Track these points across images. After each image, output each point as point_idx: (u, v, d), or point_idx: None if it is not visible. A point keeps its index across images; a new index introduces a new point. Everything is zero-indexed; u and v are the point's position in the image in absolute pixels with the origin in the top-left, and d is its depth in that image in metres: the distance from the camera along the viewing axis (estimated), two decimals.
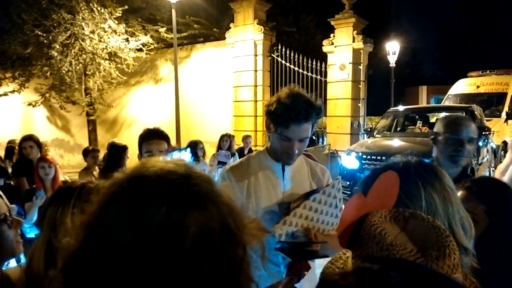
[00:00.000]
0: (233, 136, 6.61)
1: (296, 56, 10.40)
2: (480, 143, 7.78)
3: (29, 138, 4.40)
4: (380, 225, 0.76)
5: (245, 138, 7.14)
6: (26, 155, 4.27)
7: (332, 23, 10.19)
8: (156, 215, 0.56)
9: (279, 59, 10.56)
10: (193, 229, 0.56)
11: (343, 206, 1.34)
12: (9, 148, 7.15)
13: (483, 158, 7.88)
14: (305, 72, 10.38)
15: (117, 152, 4.25)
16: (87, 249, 0.57)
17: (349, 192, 6.79)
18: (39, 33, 10.29)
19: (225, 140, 6.20)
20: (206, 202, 0.60)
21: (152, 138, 2.41)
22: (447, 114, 2.61)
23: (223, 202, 0.62)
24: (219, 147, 6.24)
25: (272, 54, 10.70)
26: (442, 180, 0.93)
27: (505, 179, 2.81)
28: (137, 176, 0.61)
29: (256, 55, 10.68)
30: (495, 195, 1.49)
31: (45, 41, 10.34)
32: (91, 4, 10.27)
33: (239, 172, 1.77)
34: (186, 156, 2.14)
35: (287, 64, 10.47)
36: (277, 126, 1.62)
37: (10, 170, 5.28)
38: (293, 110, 1.56)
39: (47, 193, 3.47)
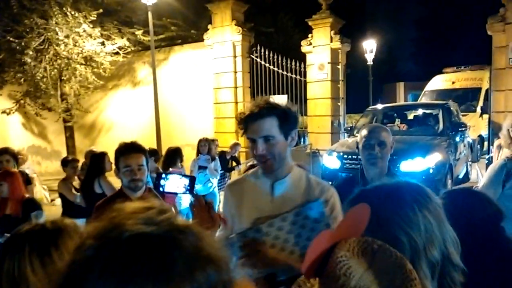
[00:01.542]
0: (213, 140, 6.57)
1: (275, 57, 10.43)
2: (457, 139, 7.97)
3: (5, 152, 4.31)
4: (347, 261, 0.74)
5: (234, 146, 7.20)
6: (2, 169, 4.17)
7: (310, 23, 10.24)
8: None
9: (259, 60, 10.56)
10: None
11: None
12: None
13: (460, 153, 8.07)
14: (284, 73, 10.41)
15: (97, 160, 4.24)
16: None
17: None
18: (11, 39, 10.01)
19: (203, 145, 6.15)
20: (193, 271, 0.53)
21: (129, 152, 2.38)
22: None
23: (212, 262, 0.56)
24: (198, 152, 6.21)
25: (251, 55, 10.69)
26: (433, 201, 0.95)
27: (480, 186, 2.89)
28: (109, 240, 0.53)
29: (235, 57, 10.65)
30: (471, 208, 1.54)
31: (17, 47, 10.09)
32: (64, 8, 10.04)
33: (235, 188, 1.83)
34: (183, 182, 2.14)
35: (267, 65, 10.48)
36: (243, 131, 1.67)
37: None
38: (248, 110, 1.63)
39: None
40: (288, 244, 1.55)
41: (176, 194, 2.13)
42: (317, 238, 0.82)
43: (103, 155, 4.26)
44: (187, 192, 2.11)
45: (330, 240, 0.80)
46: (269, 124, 1.58)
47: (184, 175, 2.23)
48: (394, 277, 0.73)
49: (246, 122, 1.63)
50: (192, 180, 2.19)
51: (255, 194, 1.72)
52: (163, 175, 2.13)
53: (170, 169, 5.21)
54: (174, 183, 2.14)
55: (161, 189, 2.13)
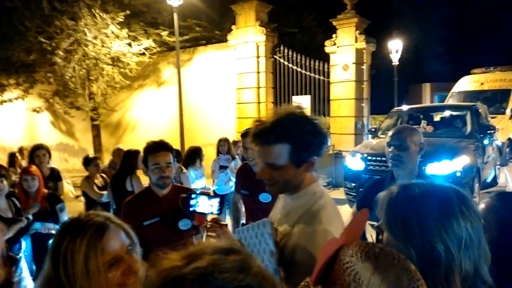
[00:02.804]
0: (236, 142, 6.62)
1: (299, 57, 10.39)
2: (486, 141, 7.75)
3: (41, 147, 4.64)
4: (354, 267, 0.75)
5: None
6: (39, 163, 4.36)
7: (334, 23, 10.16)
8: None
9: (282, 60, 10.56)
10: None
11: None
12: (11, 155, 7.05)
13: (488, 157, 7.84)
14: (307, 73, 10.37)
15: (131, 158, 4.29)
16: None
17: (354, 194, 6.78)
18: (42, 39, 10.36)
19: (222, 145, 6.20)
20: None
21: (158, 150, 2.43)
22: None
23: None
24: (218, 152, 6.28)
25: (275, 56, 10.70)
26: (477, 214, 0.95)
27: None
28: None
29: (258, 57, 10.68)
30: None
31: (48, 48, 10.41)
32: (93, 10, 10.31)
33: None
34: (213, 204, 2.21)
35: (290, 65, 10.46)
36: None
37: (13, 178, 5.33)
38: (258, 125, 1.41)
39: (30, 205, 3.53)
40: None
41: (206, 214, 2.20)
42: (324, 246, 0.82)
43: (136, 153, 4.26)
44: (219, 213, 2.17)
45: (334, 247, 0.81)
46: (278, 151, 1.32)
47: (213, 196, 2.28)
48: (400, 278, 0.74)
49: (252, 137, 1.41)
50: (222, 200, 2.23)
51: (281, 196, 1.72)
52: (193, 195, 2.19)
53: (189, 169, 5.27)
54: (204, 203, 2.19)
55: (191, 209, 2.18)
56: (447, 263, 0.90)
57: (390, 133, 2.39)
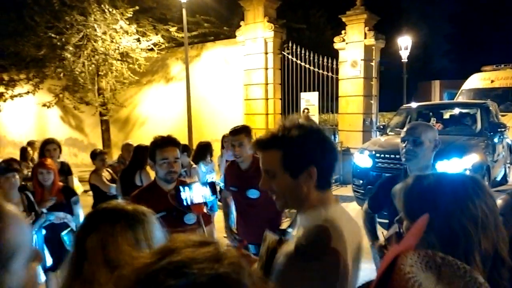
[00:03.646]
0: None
1: (307, 54, 10.36)
2: (496, 140, 7.68)
3: (52, 141, 4.74)
4: (416, 277, 0.71)
5: None
6: (50, 158, 4.41)
7: (343, 19, 10.10)
8: None
9: (290, 56, 10.53)
10: None
11: None
12: (23, 149, 7.16)
13: (498, 155, 7.77)
14: (316, 69, 10.33)
15: (141, 153, 4.24)
16: None
17: (362, 191, 6.77)
18: (52, 35, 10.43)
19: (226, 141, 6.23)
20: None
21: (166, 145, 2.46)
22: None
23: None
24: (222, 147, 6.34)
25: (283, 52, 10.67)
26: (492, 197, 1.01)
27: None
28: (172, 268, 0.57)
29: (266, 53, 10.66)
30: None
31: (58, 43, 10.48)
32: (102, 6, 10.36)
33: None
34: (205, 191, 2.22)
35: (298, 62, 10.43)
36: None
37: (25, 172, 5.40)
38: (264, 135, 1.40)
39: (46, 198, 3.58)
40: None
41: (204, 202, 2.21)
42: (386, 255, 0.80)
43: (147, 148, 4.27)
44: (215, 198, 2.18)
45: (392, 255, 0.77)
46: (270, 157, 1.29)
47: (203, 184, 2.31)
48: None
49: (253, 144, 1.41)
50: (213, 185, 2.25)
51: None
52: (181, 189, 2.20)
53: (195, 166, 5.29)
54: (197, 193, 2.21)
55: (185, 202, 2.19)
56: (466, 243, 0.94)
57: (405, 128, 2.41)
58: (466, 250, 0.93)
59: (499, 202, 1.32)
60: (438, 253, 0.78)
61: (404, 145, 2.35)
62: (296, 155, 1.24)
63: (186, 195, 2.20)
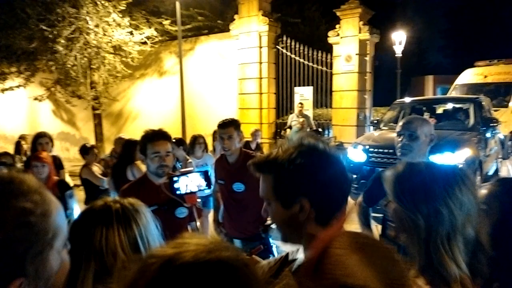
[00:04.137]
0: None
1: (301, 48, 10.33)
2: (488, 134, 7.72)
3: (44, 135, 4.70)
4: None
5: (254, 134, 7.26)
6: (42, 151, 4.36)
7: (338, 13, 10.08)
8: None
9: (284, 50, 10.50)
10: None
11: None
12: (17, 143, 7.27)
13: (490, 150, 7.82)
14: (310, 64, 10.32)
15: (131, 147, 4.22)
16: None
17: (356, 185, 6.78)
18: (44, 27, 10.27)
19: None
20: None
21: (158, 139, 2.44)
22: None
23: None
24: (214, 141, 6.36)
25: (277, 46, 10.63)
26: (475, 187, 1.08)
27: None
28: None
29: (261, 47, 10.62)
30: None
31: (49, 36, 10.33)
32: None
33: None
34: (197, 179, 2.20)
35: (292, 56, 10.40)
36: None
37: (19, 165, 5.35)
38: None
39: None
40: None
41: (197, 191, 2.18)
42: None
43: (137, 143, 4.26)
44: (208, 187, 2.16)
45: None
46: (263, 182, 1.12)
47: (196, 171, 2.29)
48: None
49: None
50: (206, 174, 2.23)
51: None
52: (175, 178, 2.19)
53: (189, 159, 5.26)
54: (190, 182, 2.19)
55: (178, 192, 2.18)
56: (451, 224, 1.02)
57: (400, 122, 2.40)
58: (449, 230, 1.01)
59: (483, 191, 1.36)
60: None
61: (399, 139, 2.34)
62: (284, 184, 1.04)
63: (181, 184, 2.19)
